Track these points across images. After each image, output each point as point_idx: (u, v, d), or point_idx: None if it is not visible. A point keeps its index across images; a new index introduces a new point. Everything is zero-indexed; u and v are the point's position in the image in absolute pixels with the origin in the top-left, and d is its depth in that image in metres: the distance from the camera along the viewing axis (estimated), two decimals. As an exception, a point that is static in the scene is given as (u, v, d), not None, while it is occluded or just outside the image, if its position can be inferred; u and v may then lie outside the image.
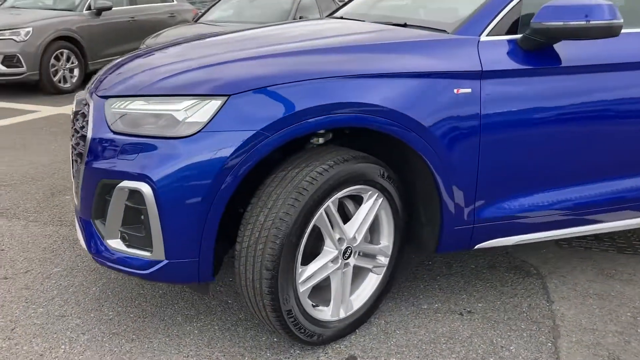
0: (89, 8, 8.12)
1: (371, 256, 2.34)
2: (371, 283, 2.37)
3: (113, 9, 8.28)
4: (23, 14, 7.79)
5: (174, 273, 2.02)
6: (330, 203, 2.06)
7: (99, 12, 8.14)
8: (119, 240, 2.07)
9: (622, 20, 2.16)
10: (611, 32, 2.18)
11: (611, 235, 3.22)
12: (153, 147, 1.94)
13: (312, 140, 2.24)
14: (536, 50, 2.27)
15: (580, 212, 2.48)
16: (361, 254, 2.29)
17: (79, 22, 7.89)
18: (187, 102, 1.96)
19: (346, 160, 2.07)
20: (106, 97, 2.14)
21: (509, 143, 2.25)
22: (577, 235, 2.59)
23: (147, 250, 2.00)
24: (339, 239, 2.15)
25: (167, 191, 1.91)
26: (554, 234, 2.50)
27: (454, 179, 2.21)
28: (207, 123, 1.92)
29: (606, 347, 2.24)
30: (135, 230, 2.01)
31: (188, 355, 2.17)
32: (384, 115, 2.05)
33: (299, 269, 2.04)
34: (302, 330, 2.11)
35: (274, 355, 2.18)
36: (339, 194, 2.08)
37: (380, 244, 2.34)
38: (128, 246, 2.04)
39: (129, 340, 2.25)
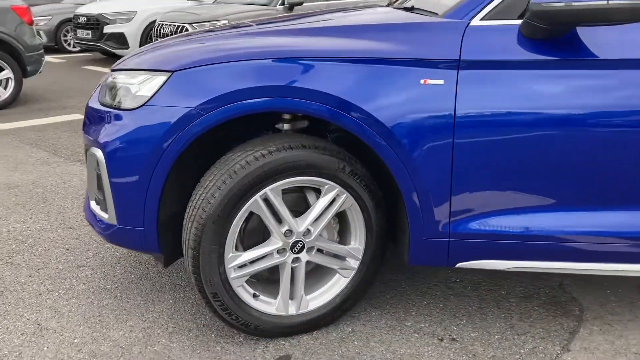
0: (282, 3, 8.70)
1: (338, 256, 2.17)
2: (337, 285, 2.21)
3: (304, 4, 8.74)
4: (223, 8, 8.66)
5: (124, 238, 2.13)
6: (270, 191, 1.96)
7: (291, 7, 8.67)
8: (94, 202, 2.24)
9: (646, 1, 1.67)
10: (637, 15, 1.71)
11: None
12: (111, 117, 2.07)
13: (277, 126, 2.16)
14: (546, 38, 1.87)
15: (604, 244, 1.98)
16: (323, 251, 2.14)
17: (272, 16, 8.52)
18: (142, 77, 2.05)
19: (291, 148, 1.96)
20: (111, 71, 2.32)
21: (494, 147, 1.90)
22: (614, 273, 2.08)
23: (106, 214, 2.14)
24: (288, 230, 2.05)
25: (113, 159, 2.02)
26: (564, 267, 2.04)
27: (420, 183, 1.94)
28: (151, 97, 1.98)
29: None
30: (100, 194, 2.16)
31: (146, 320, 2.27)
32: (328, 102, 1.89)
33: (230, 253, 1.99)
34: (234, 317, 2.06)
35: (218, 337, 2.17)
36: (281, 183, 1.97)
37: (349, 245, 2.16)
38: (100, 209, 2.21)
39: (112, 297, 2.43)
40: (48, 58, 9.35)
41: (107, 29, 9.66)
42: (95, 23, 9.83)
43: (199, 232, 1.93)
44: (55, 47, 11.53)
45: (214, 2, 9.36)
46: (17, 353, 2.05)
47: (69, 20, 11.05)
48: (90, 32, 9.94)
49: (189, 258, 1.98)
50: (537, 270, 2.06)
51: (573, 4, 1.71)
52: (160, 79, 1.99)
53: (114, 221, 2.10)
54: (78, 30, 10.20)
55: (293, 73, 1.91)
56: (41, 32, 11.51)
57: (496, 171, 1.92)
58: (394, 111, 1.89)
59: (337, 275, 2.20)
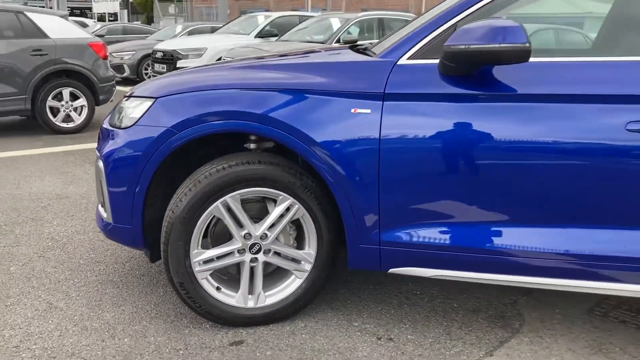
0: (337, 41, 9.21)
1: (294, 259, 2.52)
2: (292, 285, 2.54)
3: (358, 42, 9.21)
4: (284, 45, 9.28)
5: (117, 235, 2.59)
6: (229, 198, 2.36)
7: (345, 44, 9.17)
8: (100, 205, 2.73)
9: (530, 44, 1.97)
10: (524, 56, 2.00)
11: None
12: (112, 135, 2.55)
13: (244, 145, 2.56)
14: (459, 75, 2.18)
15: (518, 257, 2.22)
16: (280, 254, 2.50)
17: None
18: (136, 102, 2.52)
19: (249, 163, 2.36)
20: (123, 97, 2.83)
21: (413, 167, 2.21)
22: (533, 286, 2.31)
23: (106, 213, 2.61)
24: (247, 233, 2.43)
25: (109, 168, 2.49)
26: (484, 277, 2.29)
27: (352, 196, 2.27)
28: (139, 118, 2.45)
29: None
30: (102, 197, 2.64)
31: (136, 306, 2.70)
32: (276, 126, 2.28)
33: (195, 250, 2.39)
34: (197, 305, 2.45)
35: (189, 323, 2.55)
36: (239, 192, 2.36)
37: (303, 250, 2.51)
38: (103, 210, 2.68)
39: (115, 287, 2.89)
40: (125, 88, 10.31)
41: (180, 64, 10.53)
42: (170, 58, 10.74)
43: (169, 230, 2.35)
44: (136, 79, 12.60)
45: (276, 40, 10.02)
46: (28, 323, 2.53)
47: (149, 55, 12.08)
48: (165, 66, 10.86)
49: (162, 252, 2.40)
50: (460, 279, 2.32)
51: (471, 46, 2.02)
52: (147, 103, 2.45)
53: (111, 220, 2.57)
54: (155, 64, 11.17)
55: (246, 100, 2.31)
56: (125, 65, 12.65)
57: (416, 188, 2.22)
58: (330, 135, 2.24)
59: (293, 276, 2.54)
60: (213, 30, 13.39)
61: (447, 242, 2.26)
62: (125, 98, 2.64)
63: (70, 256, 3.27)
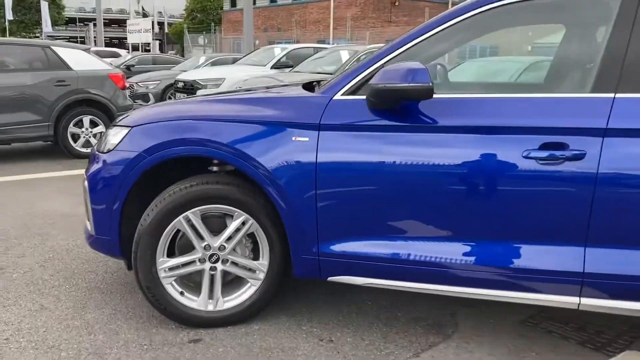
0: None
1: (249, 269, 2.87)
2: (248, 292, 2.88)
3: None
4: (299, 75, 9.73)
5: (98, 245, 2.97)
6: (191, 214, 2.73)
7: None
8: (87, 219, 3.13)
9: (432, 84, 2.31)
10: (428, 94, 2.34)
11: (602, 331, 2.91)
12: (96, 159, 2.95)
13: (209, 167, 2.94)
14: (383, 108, 2.53)
15: (449, 273, 2.52)
16: (238, 265, 2.84)
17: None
18: (116, 130, 2.93)
19: (208, 184, 2.73)
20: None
21: (344, 189, 2.55)
22: (446, 293, 2.60)
23: (90, 226, 3.00)
24: (207, 245, 2.79)
25: (91, 186, 2.89)
26: (406, 285, 2.60)
27: (294, 212, 2.62)
28: (117, 145, 2.85)
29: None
30: (87, 212, 3.04)
31: (115, 309, 3.07)
32: (229, 151, 2.65)
33: (160, 258, 2.76)
34: (163, 307, 2.81)
35: (158, 324, 2.90)
36: (199, 208, 2.72)
37: (258, 260, 2.86)
38: (88, 224, 3.08)
39: (101, 292, 3.27)
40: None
41: (199, 93, 11.07)
42: (190, 87, 11.30)
43: (138, 240, 2.73)
44: (160, 107, 13.20)
45: (290, 71, 10.50)
46: (20, 321, 2.92)
47: (173, 84, 12.70)
48: (186, 95, 11.42)
49: (132, 259, 2.77)
50: (386, 287, 2.63)
51: (387, 85, 2.37)
52: (124, 131, 2.85)
53: (93, 232, 2.96)
54: (177, 94, 11.75)
55: (206, 130, 2.69)
56: (150, 94, 13.30)
57: (347, 207, 2.56)
58: (274, 160, 2.60)
59: (249, 284, 2.88)
60: (235, 61, 13.98)
61: (375, 254, 2.58)
62: (110, 127, 3.05)
63: (66, 266, 3.67)
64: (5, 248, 4.00)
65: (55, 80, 7.33)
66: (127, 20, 44.18)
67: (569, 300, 2.43)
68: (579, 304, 2.42)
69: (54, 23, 56.25)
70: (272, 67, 11.49)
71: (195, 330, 2.84)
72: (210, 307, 2.85)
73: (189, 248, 2.82)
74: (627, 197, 2.28)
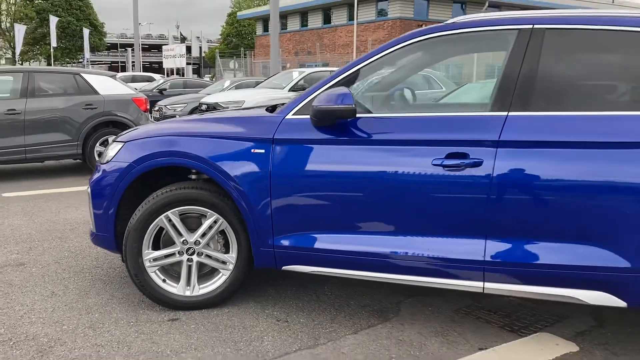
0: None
1: (221, 261, 3.42)
2: (220, 280, 3.43)
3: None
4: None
5: (98, 240, 3.57)
6: (171, 213, 3.30)
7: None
8: (91, 220, 3.74)
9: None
10: (352, 114, 2.89)
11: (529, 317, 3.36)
12: (98, 169, 3.57)
13: (188, 175, 3.52)
14: (323, 125, 3.07)
15: (387, 263, 3.01)
16: (211, 257, 3.40)
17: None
18: (114, 145, 3.54)
19: (185, 188, 3.31)
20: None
21: (292, 191, 3.09)
22: (382, 280, 3.09)
23: (92, 225, 3.61)
24: (185, 240, 3.36)
25: (93, 192, 3.50)
26: (345, 273, 3.11)
27: (253, 212, 3.17)
28: (113, 157, 3.46)
29: None
30: (90, 214, 3.64)
31: (112, 295, 3.65)
32: (202, 162, 3.22)
33: (145, 250, 3.34)
34: (148, 292, 3.37)
35: (145, 307, 3.46)
36: (178, 209, 3.30)
37: (228, 254, 3.41)
38: (91, 223, 3.68)
39: (103, 283, 3.86)
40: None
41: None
42: (212, 110, 12.02)
43: (127, 235, 3.31)
44: (186, 128, 13.98)
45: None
46: (33, 303, 3.52)
47: (198, 107, 13.47)
48: (208, 117, 12.14)
49: (123, 251, 3.36)
50: (330, 275, 3.14)
51: (322, 106, 2.92)
52: (119, 146, 3.46)
53: (94, 230, 3.56)
54: (200, 115, 12.49)
55: (183, 144, 3.27)
56: (177, 116, 14.09)
57: (295, 207, 3.09)
58: (237, 169, 3.15)
59: (221, 273, 3.43)
60: (257, 84, 14.71)
61: (319, 246, 3.10)
62: (111, 143, 3.67)
63: (77, 263, 4.29)
64: (28, 248, 4.65)
65: (84, 104, 8.10)
66: (163, 46, 45.89)
67: (475, 285, 2.90)
68: (483, 288, 2.89)
69: (96, 49, 58.74)
70: (289, 90, 12.14)
71: (175, 312, 3.39)
72: (188, 293, 3.40)
73: (170, 242, 3.39)
74: (517, 197, 2.76)
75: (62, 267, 4.20)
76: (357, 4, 33.04)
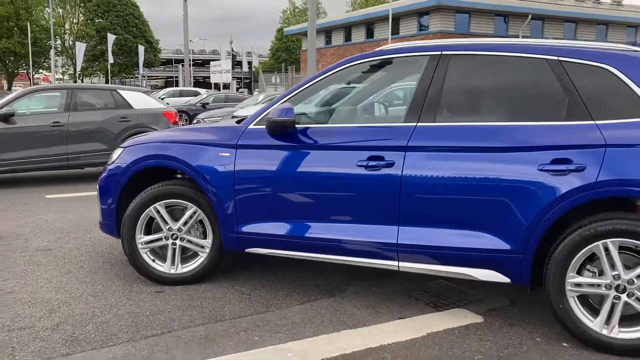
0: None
1: (200, 245, 4.17)
2: (199, 261, 4.18)
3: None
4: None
5: (104, 228, 4.39)
6: (158, 205, 4.08)
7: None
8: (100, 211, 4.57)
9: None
10: (292, 125, 3.60)
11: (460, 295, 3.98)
12: (104, 170, 4.40)
13: (175, 175, 4.30)
14: (275, 134, 3.79)
15: (321, 245, 3.69)
16: (192, 242, 4.16)
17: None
18: (117, 150, 4.37)
19: (169, 185, 4.09)
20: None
21: (251, 188, 3.82)
22: (324, 260, 3.77)
23: (100, 215, 4.44)
24: (169, 227, 4.14)
25: (100, 188, 4.33)
26: (291, 254, 3.80)
27: (222, 205, 3.90)
28: (115, 159, 4.28)
29: None
30: (98, 205, 4.47)
31: (116, 273, 4.46)
32: (181, 164, 3.99)
33: (138, 235, 4.13)
34: (141, 270, 4.15)
35: (140, 283, 4.23)
36: (163, 202, 4.07)
37: (206, 239, 4.16)
38: (99, 214, 4.51)
39: (110, 264, 4.69)
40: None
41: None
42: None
43: (123, 222, 4.11)
44: (221, 140, 14.96)
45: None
46: (52, 277, 4.36)
47: (231, 120, 14.40)
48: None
49: (120, 236, 4.16)
50: (280, 255, 3.84)
51: (272, 118, 3.64)
52: (121, 150, 4.28)
53: (101, 219, 4.39)
54: (232, 128, 13.41)
55: (169, 148, 4.05)
56: (213, 128, 15.07)
57: (254, 199, 3.81)
58: (208, 169, 3.90)
59: (200, 255, 4.18)
60: (289, 98, 15.55)
61: (272, 232, 3.80)
62: (115, 148, 4.50)
63: (95, 249, 5.13)
64: (58, 237, 5.54)
65: (119, 117, 9.08)
66: (210, 62, 47.68)
67: (392, 263, 3.54)
68: (398, 266, 3.53)
69: (151, 65, 61.36)
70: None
71: (162, 286, 4.15)
72: (172, 271, 4.16)
73: (159, 229, 4.17)
74: (420, 191, 3.40)
75: (81, 252, 5.05)
76: (395, 19, 33.58)
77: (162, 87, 62.07)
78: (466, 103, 3.52)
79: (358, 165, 3.52)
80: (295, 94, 3.87)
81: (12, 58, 55.37)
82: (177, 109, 19.55)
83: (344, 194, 3.58)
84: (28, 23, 50.71)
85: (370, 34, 39.15)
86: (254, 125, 3.91)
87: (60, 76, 68.29)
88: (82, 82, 59.81)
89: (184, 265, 4.19)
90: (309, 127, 3.73)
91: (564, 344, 3.25)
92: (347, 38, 41.31)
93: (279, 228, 3.78)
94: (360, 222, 3.58)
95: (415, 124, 3.47)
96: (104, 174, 4.34)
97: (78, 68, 45.88)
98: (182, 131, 4.34)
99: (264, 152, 3.81)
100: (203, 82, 70.44)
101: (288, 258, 3.88)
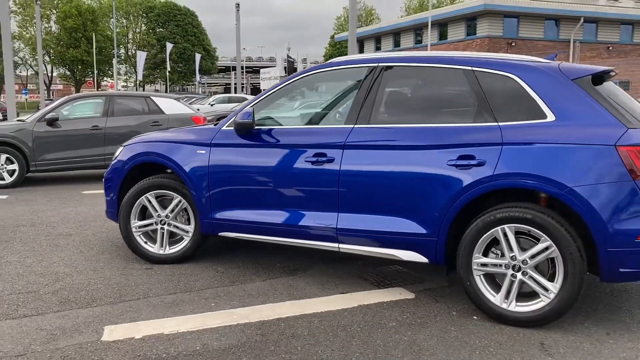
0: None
1: (184, 230, 4.87)
2: (183, 243, 4.88)
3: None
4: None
5: (108, 215, 5.17)
6: (149, 195, 4.81)
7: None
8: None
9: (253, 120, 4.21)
10: (252, 127, 4.25)
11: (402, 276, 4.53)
12: (109, 165, 5.18)
13: (166, 170, 5.02)
14: (242, 134, 4.45)
15: (278, 229, 4.31)
16: (178, 227, 4.87)
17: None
18: (119, 148, 5.13)
19: (158, 178, 4.82)
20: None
21: (221, 180, 4.49)
22: (281, 243, 4.39)
23: (105, 204, 5.22)
24: (158, 214, 4.86)
25: (104, 183, 5.11)
26: (255, 237, 4.44)
27: (198, 194, 4.59)
28: (117, 156, 5.04)
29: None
30: (104, 195, 5.24)
31: (117, 254, 5.23)
32: (166, 160, 4.70)
33: (133, 220, 4.87)
34: (135, 250, 4.89)
35: (135, 261, 4.98)
36: (153, 192, 4.80)
37: (189, 225, 4.86)
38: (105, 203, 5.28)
39: (116, 247, 5.46)
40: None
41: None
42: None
43: (120, 210, 4.86)
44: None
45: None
46: (65, 256, 5.16)
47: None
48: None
49: (118, 221, 4.91)
50: (245, 239, 4.49)
51: (237, 120, 4.29)
52: (121, 149, 5.04)
53: (106, 207, 5.16)
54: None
55: (157, 147, 4.77)
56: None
57: (225, 190, 4.46)
58: (188, 165, 4.58)
59: (185, 239, 4.88)
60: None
61: (240, 218, 4.45)
62: (118, 147, 5.27)
63: (108, 235, 5.92)
64: (80, 225, 6.39)
65: (152, 121, 9.96)
66: (261, 69, 48.98)
67: (333, 245, 4.11)
68: (338, 248, 4.10)
69: (208, 72, 63.49)
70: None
71: (152, 264, 4.87)
72: (161, 252, 4.87)
73: (150, 216, 4.89)
74: (355, 183, 3.97)
75: (96, 237, 5.86)
76: (443, 24, 33.71)
77: (220, 94, 64.14)
78: (395, 107, 4.07)
79: (306, 161, 4.12)
80: (260, 100, 4.51)
81: (80, 67, 58.59)
82: (224, 114, 20.52)
83: (295, 185, 4.19)
84: (93, 33, 53.53)
85: (418, 39, 39.36)
86: (226, 126, 4.57)
87: (124, 83, 71.57)
88: (144, 89, 62.50)
89: (171, 247, 4.89)
90: (269, 129, 4.36)
91: (474, 317, 3.74)
92: (396, 44, 41.65)
93: (244, 215, 4.42)
94: (308, 210, 4.17)
95: (353, 125, 4.04)
96: (107, 170, 5.11)
97: (139, 76, 48.13)
98: (172, 132, 5.05)
99: (232, 149, 4.46)
100: (259, 89, 72.16)
101: (268, 243, 4.48)
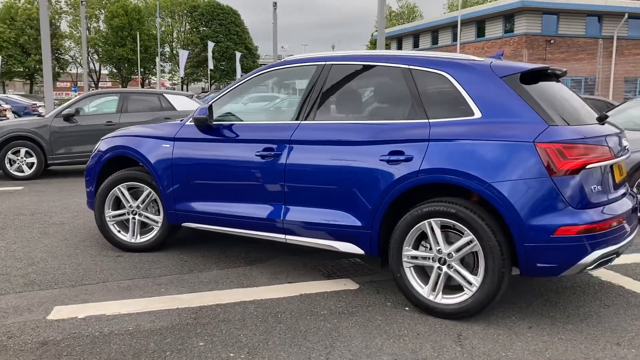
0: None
1: (154, 220, 5.14)
2: (153, 233, 5.14)
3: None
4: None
5: (89, 205, 5.48)
6: (121, 186, 5.09)
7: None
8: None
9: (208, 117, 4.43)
10: (208, 121, 4.47)
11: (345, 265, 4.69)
12: (90, 157, 5.49)
13: (139, 163, 5.29)
14: (203, 129, 4.67)
15: (232, 221, 4.52)
16: (148, 217, 5.14)
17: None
18: (99, 141, 5.44)
19: (129, 170, 5.10)
20: (112, 142, 5.75)
21: (183, 173, 4.72)
22: (239, 235, 4.59)
23: (86, 194, 5.53)
24: (130, 205, 5.14)
25: (85, 175, 5.42)
26: (212, 228, 4.65)
27: (163, 186, 4.84)
28: (97, 148, 5.34)
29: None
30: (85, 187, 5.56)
31: (110, 247, 5.54)
32: (135, 153, 4.97)
33: (107, 210, 5.16)
34: (109, 238, 5.19)
35: (115, 250, 5.29)
36: (125, 184, 5.08)
37: (159, 215, 5.12)
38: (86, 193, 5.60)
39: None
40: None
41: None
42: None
43: (96, 200, 5.16)
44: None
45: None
46: (49, 243, 5.50)
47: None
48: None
49: (93, 211, 5.22)
50: (206, 229, 4.70)
51: (195, 116, 4.52)
52: (101, 142, 5.35)
53: (87, 198, 5.48)
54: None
55: (129, 141, 5.04)
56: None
57: (187, 182, 4.70)
58: (154, 157, 4.84)
59: (154, 229, 5.14)
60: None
61: (198, 209, 4.68)
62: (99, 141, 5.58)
63: (96, 226, 6.25)
64: (74, 215, 6.75)
65: (163, 118, 10.31)
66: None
67: (280, 237, 4.29)
68: (285, 239, 4.27)
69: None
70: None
71: (123, 252, 5.15)
72: (133, 240, 5.15)
73: (123, 206, 5.18)
74: (298, 177, 4.13)
75: (85, 227, 6.19)
76: (481, 21, 33.21)
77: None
78: (338, 104, 4.21)
79: (256, 155, 4.30)
80: (219, 97, 4.72)
81: (126, 65, 60.29)
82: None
83: (246, 179, 4.38)
84: (138, 33, 55.01)
85: (455, 37, 38.94)
86: (190, 122, 4.80)
87: (171, 81, 73.21)
88: (187, 87, 63.77)
89: (142, 236, 5.16)
90: (228, 124, 4.57)
91: (406, 309, 3.85)
92: (434, 41, 41.29)
93: (202, 206, 4.64)
94: (258, 202, 4.36)
95: (299, 121, 4.20)
96: (88, 162, 5.42)
97: (181, 74, 49.24)
98: (143, 127, 5.32)
99: (192, 144, 4.69)
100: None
101: (235, 235, 4.69)
